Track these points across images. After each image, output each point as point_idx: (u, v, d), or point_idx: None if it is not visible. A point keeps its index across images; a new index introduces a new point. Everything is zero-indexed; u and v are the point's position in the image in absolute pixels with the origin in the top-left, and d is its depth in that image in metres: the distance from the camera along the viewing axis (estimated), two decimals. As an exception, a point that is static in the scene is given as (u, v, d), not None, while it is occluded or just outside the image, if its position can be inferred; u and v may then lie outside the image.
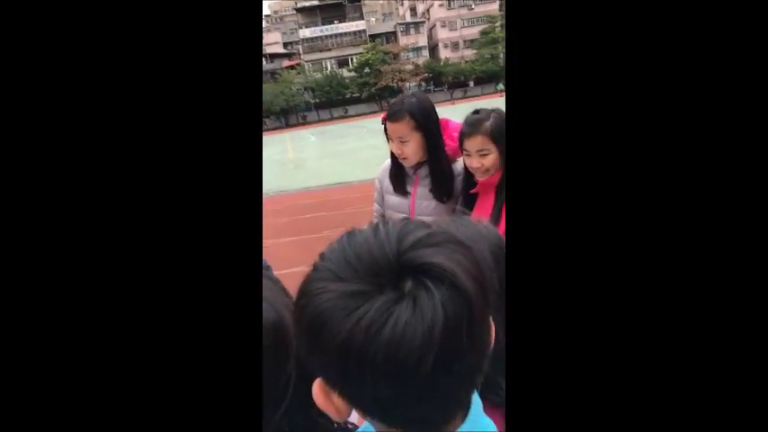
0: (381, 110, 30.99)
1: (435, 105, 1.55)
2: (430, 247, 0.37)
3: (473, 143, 1.37)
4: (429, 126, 1.49)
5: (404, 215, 1.42)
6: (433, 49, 44.24)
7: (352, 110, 38.60)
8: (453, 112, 1.66)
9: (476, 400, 0.42)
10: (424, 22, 44.09)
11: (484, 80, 39.35)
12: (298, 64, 40.96)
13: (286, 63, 41.20)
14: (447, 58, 41.51)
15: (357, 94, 39.40)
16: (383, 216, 1.71)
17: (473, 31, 40.78)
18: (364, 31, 41.90)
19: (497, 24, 39.52)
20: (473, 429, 0.39)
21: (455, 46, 42.74)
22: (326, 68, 40.93)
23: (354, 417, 0.42)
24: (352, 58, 40.38)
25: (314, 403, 0.40)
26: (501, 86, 34.96)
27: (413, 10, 44.60)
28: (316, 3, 42.87)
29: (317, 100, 38.96)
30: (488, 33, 39.07)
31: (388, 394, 0.35)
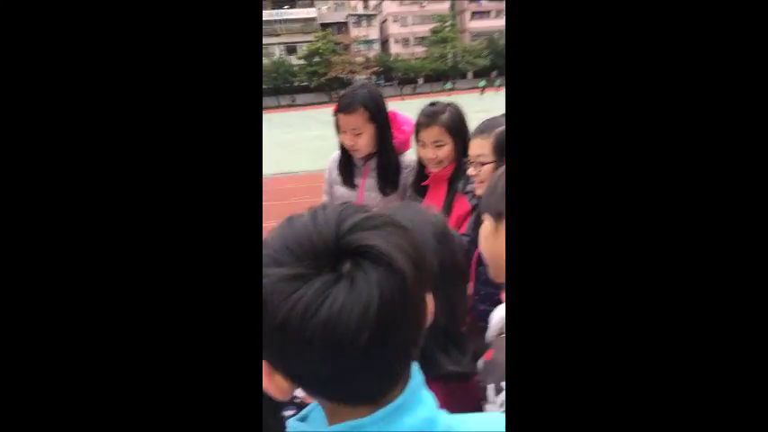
0: (331, 101, 30.66)
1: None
2: (368, 231, 0.38)
3: (429, 134, 1.41)
4: (381, 118, 1.51)
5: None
6: (384, 43, 44.31)
7: (300, 99, 37.84)
8: (402, 109, 1.69)
9: (416, 373, 0.43)
10: (376, 15, 44.00)
11: (433, 78, 40.00)
12: (244, 47, 39.36)
13: (232, 46, 39.43)
14: (398, 54, 41.73)
15: (306, 83, 38.66)
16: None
17: (424, 29, 41.26)
18: (315, 18, 41.12)
19: (447, 24, 40.29)
20: (412, 399, 0.42)
21: (405, 42, 43.04)
22: (274, 54, 39.78)
23: (300, 391, 0.43)
24: (301, 46, 39.52)
25: None
26: (449, 86, 35.75)
27: (365, 2, 44.34)
28: (265, -15, 41.46)
29: (264, 86, 37.80)
30: (438, 32, 39.73)
31: (327, 371, 0.37)
